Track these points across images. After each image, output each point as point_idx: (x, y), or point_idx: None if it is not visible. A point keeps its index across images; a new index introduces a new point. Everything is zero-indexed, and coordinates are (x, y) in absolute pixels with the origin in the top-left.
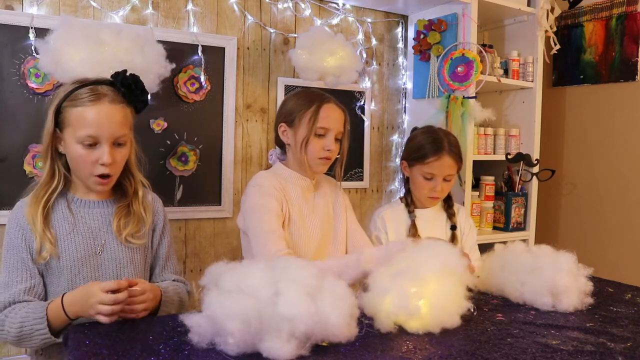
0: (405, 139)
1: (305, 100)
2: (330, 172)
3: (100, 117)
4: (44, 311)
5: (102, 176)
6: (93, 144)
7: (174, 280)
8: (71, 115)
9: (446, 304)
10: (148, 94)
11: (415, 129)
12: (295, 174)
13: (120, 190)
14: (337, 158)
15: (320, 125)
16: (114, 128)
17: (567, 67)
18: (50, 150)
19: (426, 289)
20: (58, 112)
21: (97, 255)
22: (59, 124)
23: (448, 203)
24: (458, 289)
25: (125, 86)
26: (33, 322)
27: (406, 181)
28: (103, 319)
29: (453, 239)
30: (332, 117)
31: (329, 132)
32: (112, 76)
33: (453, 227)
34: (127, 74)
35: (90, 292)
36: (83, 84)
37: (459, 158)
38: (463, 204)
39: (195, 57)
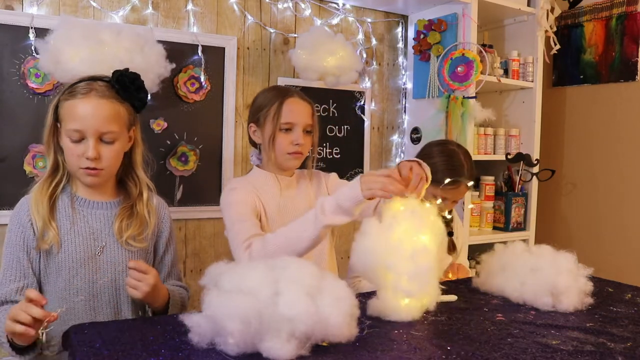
0: (405, 139)
1: (269, 97)
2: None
3: (86, 111)
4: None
5: (89, 168)
6: (79, 139)
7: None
8: (64, 109)
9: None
10: (146, 92)
11: (415, 130)
12: (270, 175)
13: (125, 192)
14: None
15: (284, 120)
16: (99, 122)
17: (567, 67)
18: (52, 144)
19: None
20: (57, 106)
21: (96, 257)
22: (57, 118)
23: None
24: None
25: (119, 83)
26: (1, 334)
27: None
28: (18, 329)
29: (451, 245)
30: (296, 110)
31: (295, 127)
32: (112, 73)
33: (450, 234)
34: (126, 71)
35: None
36: (82, 79)
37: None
38: (463, 204)
39: (195, 57)
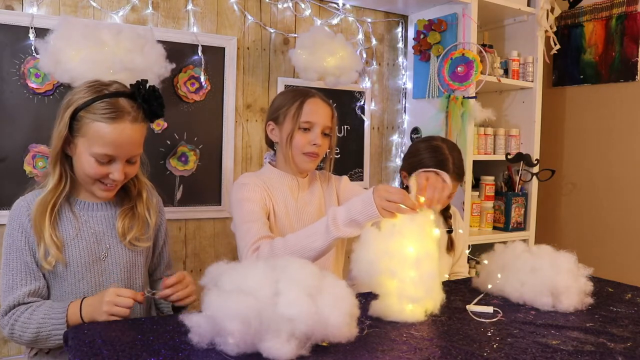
0: (405, 139)
1: (290, 96)
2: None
3: (120, 138)
4: (64, 317)
5: (108, 184)
6: (107, 162)
7: None
8: (89, 128)
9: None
10: (164, 107)
11: (415, 130)
12: (282, 173)
13: (123, 192)
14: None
15: (305, 119)
16: (131, 148)
17: (567, 67)
18: (60, 154)
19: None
20: (73, 117)
21: (102, 261)
22: (72, 129)
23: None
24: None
25: (147, 102)
26: (51, 328)
27: (405, 189)
28: (114, 319)
29: (449, 242)
30: (316, 111)
31: (315, 127)
32: (132, 87)
33: (450, 231)
34: (148, 86)
35: (106, 293)
36: (104, 94)
37: (461, 177)
38: (463, 204)
39: (195, 57)
